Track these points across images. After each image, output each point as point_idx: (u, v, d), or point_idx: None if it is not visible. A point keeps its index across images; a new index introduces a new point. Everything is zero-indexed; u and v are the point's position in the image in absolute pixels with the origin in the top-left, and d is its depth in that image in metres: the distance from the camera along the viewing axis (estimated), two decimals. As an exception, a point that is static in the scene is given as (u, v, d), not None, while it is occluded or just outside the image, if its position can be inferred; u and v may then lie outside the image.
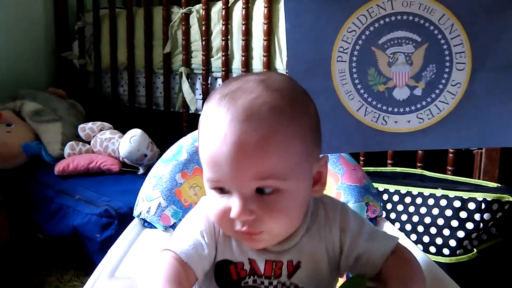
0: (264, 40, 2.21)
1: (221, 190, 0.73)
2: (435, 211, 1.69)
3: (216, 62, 2.43)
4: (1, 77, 2.61)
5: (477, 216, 1.62)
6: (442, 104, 1.11)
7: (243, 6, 2.25)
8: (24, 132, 2.32)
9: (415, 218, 1.73)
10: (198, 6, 2.47)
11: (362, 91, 1.14)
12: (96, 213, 1.79)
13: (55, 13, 2.90)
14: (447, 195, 1.70)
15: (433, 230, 1.68)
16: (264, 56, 2.23)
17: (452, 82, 1.10)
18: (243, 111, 0.69)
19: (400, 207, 1.79)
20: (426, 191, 1.76)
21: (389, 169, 2.04)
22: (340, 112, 1.14)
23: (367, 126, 1.15)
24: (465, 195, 1.66)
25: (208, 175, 0.74)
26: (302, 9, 1.12)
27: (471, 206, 1.63)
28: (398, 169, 2.01)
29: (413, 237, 1.71)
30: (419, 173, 1.97)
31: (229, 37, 2.35)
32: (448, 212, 1.66)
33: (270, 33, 2.20)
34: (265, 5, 2.18)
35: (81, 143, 2.26)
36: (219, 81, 2.44)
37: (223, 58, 2.36)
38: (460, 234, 1.63)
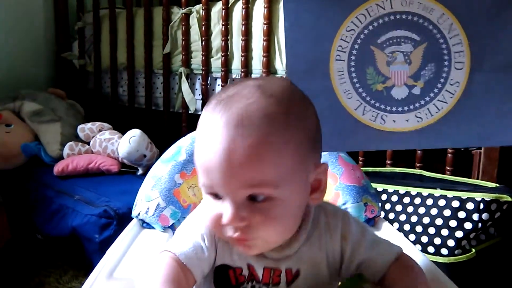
0: (264, 40, 2.21)
1: (215, 196, 0.73)
2: (434, 211, 1.70)
3: (216, 63, 2.43)
4: (0, 77, 2.61)
5: (475, 216, 1.62)
6: (441, 103, 1.11)
7: (243, 7, 2.25)
8: (23, 133, 2.32)
9: (414, 218, 1.73)
10: (198, 7, 2.47)
11: (360, 90, 1.14)
12: (95, 214, 1.79)
13: (55, 13, 2.90)
14: (446, 195, 1.70)
15: (431, 230, 1.68)
16: (263, 56, 2.23)
17: (450, 81, 1.10)
18: (235, 117, 0.69)
19: (398, 207, 1.79)
20: (425, 191, 1.76)
21: (388, 169, 2.04)
22: (338, 111, 1.15)
23: (365, 125, 1.15)
24: (464, 195, 1.67)
25: (201, 181, 0.74)
26: (301, 8, 1.13)
27: (470, 206, 1.64)
28: (397, 169, 2.01)
29: (412, 237, 1.71)
30: (418, 173, 1.97)
31: (228, 38, 2.35)
32: (447, 212, 1.66)
33: (270, 34, 2.20)
34: (265, 6, 2.18)
35: (80, 143, 2.26)
36: (219, 81, 2.44)
37: (223, 58, 2.36)
38: (459, 234, 1.63)
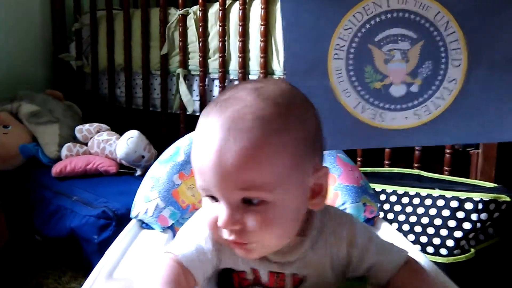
0: (261, 41, 2.21)
1: (212, 198, 0.73)
2: (433, 211, 1.70)
3: (213, 64, 2.43)
4: (-2, 78, 2.61)
5: (474, 216, 1.63)
6: (439, 100, 1.11)
7: (240, 8, 2.25)
8: (21, 134, 2.31)
9: (413, 219, 1.73)
10: (195, 8, 2.47)
11: (359, 88, 1.14)
12: (93, 215, 1.78)
13: (52, 15, 2.89)
14: (444, 195, 1.70)
15: (430, 230, 1.68)
16: (261, 57, 2.23)
17: (448, 79, 1.11)
18: (228, 120, 0.69)
19: (397, 208, 1.79)
20: (424, 192, 1.76)
21: (386, 169, 2.04)
22: (337, 109, 1.15)
23: (364, 123, 1.15)
24: (462, 195, 1.67)
25: (198, 183, 0.74)
26: (299, 8, 1.13)
27: (468, 206, 1.64)
28: (395, 170, 2.01)
29: (411, 237, 1.71)
30: (416, 173, 1.97)
31: (226, 39, 2.35)
32: (446, 212, 1.67)
33: (267, 34, 2.20)
34: (262, 7, 2.18)
35: (78, 144, 2.26)
36: (216, 82, 2.43)
37: (220, 59, 2.36)
38: (458, 234, 1.63)
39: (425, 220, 1.70)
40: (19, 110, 2.40)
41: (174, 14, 2.53)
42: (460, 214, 1.64)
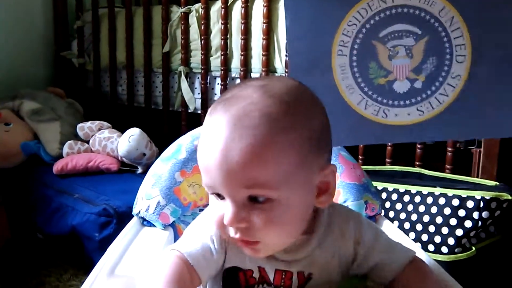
0: (263, 39, 2.21)
1: (218, 195, 0.73)
2: (434, 209, 1.70)
3: (215, 61, 2.43)
4: (0, 76, 2.61)
5: (475, 215, 1.62)
6: (442, 96, 1.11)
7: (242, 5, 2.25)
8: (22, 131, 2.32)
9: (414, 217, 1.73)
10: (197, 5, 2.47)
11: (362, 84, 1.14)
12: (94, 212, 1.79)
13: (54, 12, 2.89)
14: (446, 194, 1.70)
15: (431, 229, 1.68)
16: (263, 55, 2.23)
17: (452, 75, 1.10)
18: (234, 117, 0.69)
19: (398, 206, 1.79)
20: (425, 190, 1.76)
21: (388, 167, 2.04)
22: (341, 106, 1.14)
23: (368, 120, 1.15)
24: (464, 193, 1.67)
25: (203, 180, 0.74)
26: (302, 4, 1.13)
27: (470, 204, 1.64)
28: (397, 168, 2.01)
29: (412, 235, 1.71)
30: (418, 171, 1.97)
31: (228, 36, 2.35)
32: (447, 211, 1.67)
33: (269, 32, 2.20)
34: (264, 4, 2.18)
35: (79, 142, 2.26)
36: (218, 80, 2.44)
37: (222, 57, 2.36)
38: (459, 232, 1.63)
39: (426, 218, 1.70)
40: (21, 108, 2.40)
41: (176, 11, 2.53)
42: (462, 212, 1.64)
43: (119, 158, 2.18)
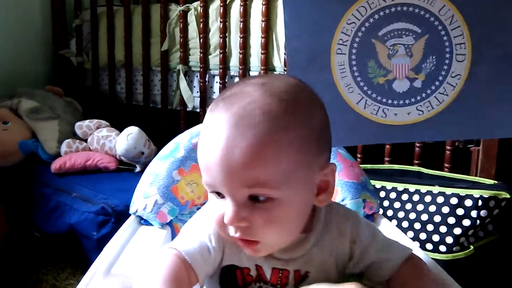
0: (262, 37, 2.21)
1: (218, 194, 0.73)
2: (432, 208, 1.70)
3: (214, 60, 2.43)
4: (-2, 74, 2.61)
5: (474, 213, 1.62)
6: (442, 95, 1.11)
7: (241, 4, 2.25)
8: (20, 130, 2.31)
9: (412, 215, 1.73)
10: (196, 4, 2.47)
11: (362, 83, 1.13)
12: (92, 211, 1.79)
13: (53, 11, 2.89)
14: (444, 192, 1.70)
15: (430, 227, 1.68)
16: (262, 53, 2.22)
17: (452, 74, 1.10)
18: (235, 116, 0.68)
19: (397, 204, 1.79)
20: (423, 188, 1.76)
21: (386, 166, 2.04)
22: (340, 105, 1.14)
23: (367, 119, 1.14)
24: (462, 192, 1.67)
25: (203, 179, 0.73)
26: (301, 2, 1.12)
27: (468, 203, 1.63)
28: (395, 166, 2.01)
29: (410, 234, 1.71)
30: (416, 170, 1.97)
31: (227, 35, 2.35)
32: (445, 209, 1.66)
33: (268, 31, 2.20)
34: (263, 3, 2.18)
35: (78, 141, 2.25)
36: (217, 78, 2.43)
37: (221, 55, 2.35)
38: (457, 231, 1.63)
39: (424, 217, 1.70)
40: (19, 106, 2.40)
41: (175, 10, 2.53)
42: (460, 211, 1.64)
43: (118, 156, 2.18)
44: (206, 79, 2.46)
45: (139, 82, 2.72)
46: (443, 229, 1.65)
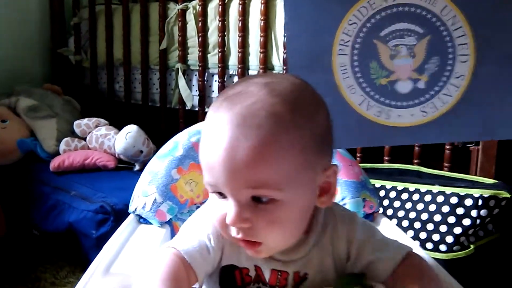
0: (261, 36, 2.20)
1: (220, 194, 0.72)
2: (432, 207, 1.69)
3: (213, 59, 2.42)
4: (-4, 73, 2.61)
5: (474, 213, 1.62)
6: (446, 96, 1.10)
7: (240, 2, 2.24)
8: (19, 128, 2.31)
9: (412, 215, 1.73)
10: (194, 2, 2.46)
11: (364, 85, 1.13)
12: (91, 210, 1.78)
13: (51, 9, 2.89)
14: (444, 192, 1.69)
15: (430, 227, 1.68)
16: (260, 52, 2.22)
17: (455, 74, 1.09)
18: (239, 116, 0.68)
19: (397, 204, 1.79)
20: (423, 188, 1.76)
21: (386, 165, 2.03)
22: (342, 106, 1.13)
23: (370, 121, 1.14)
24: (462, 191, 1.66)
25: (205, 179, 0.73)
26: (302, 2, 1.11)
27: (468, 202, 1.63)
28: (395, 166, 2.01)
29: (410, 233, 1.70)
30: (416, 169, 1.96)
31: (225, 33, 2.34)
32: (445, 209, 1.66)
33: (267, 29, 2.19)
34: (262, 1, 2.17)
35: (76, 139, 2.25)
36: (216, 77, 2.42)
37: (220, 54, 2.35)
38: (457, 230, 1.63)
39: (424, 216, 1.70)
40: (17, 105, 2.40)
41: (174, 8, 2.52)
42: (460, 210, 1.64)
43: (116, 155, 2.18)
44: (205, 78, 2.46)
45: (137, 81, 2.72)
46: (443, 228, 1.65)
